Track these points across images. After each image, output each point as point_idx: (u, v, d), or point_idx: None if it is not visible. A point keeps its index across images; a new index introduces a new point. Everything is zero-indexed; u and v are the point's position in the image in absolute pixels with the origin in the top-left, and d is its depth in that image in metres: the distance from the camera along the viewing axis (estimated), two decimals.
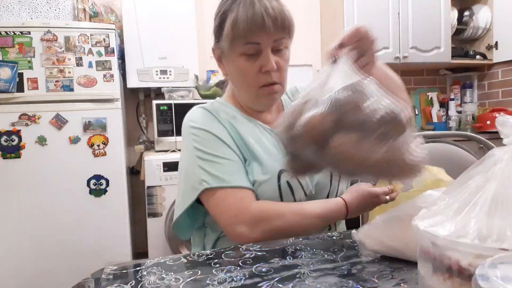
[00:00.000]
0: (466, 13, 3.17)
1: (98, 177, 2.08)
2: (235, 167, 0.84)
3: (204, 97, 2.47)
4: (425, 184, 0.89)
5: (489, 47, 3.15)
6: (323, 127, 0.54)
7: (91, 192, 2.08)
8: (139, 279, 0.56)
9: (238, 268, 0.58)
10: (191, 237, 0.98)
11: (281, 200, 0.85)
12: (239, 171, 0.84)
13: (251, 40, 0.83)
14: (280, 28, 0.83)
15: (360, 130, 0.53)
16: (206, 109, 0.91)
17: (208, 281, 0.53)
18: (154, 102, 2.33)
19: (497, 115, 0.44)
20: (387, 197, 0.89)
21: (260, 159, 0.86)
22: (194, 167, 0.84)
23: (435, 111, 3.26)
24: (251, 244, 0.71)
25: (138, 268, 0.60)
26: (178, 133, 2.27)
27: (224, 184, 0.81)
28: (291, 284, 0.51)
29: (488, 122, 2.84)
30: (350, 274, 0.54)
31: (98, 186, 2.08)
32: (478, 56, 3.16)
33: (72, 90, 2.05)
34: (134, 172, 2.65)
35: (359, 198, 0.87)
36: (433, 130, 3.08)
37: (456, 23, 3.12)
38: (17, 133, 1.99)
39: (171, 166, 2.15)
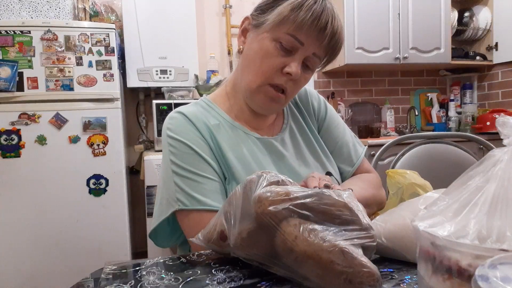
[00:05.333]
0: (466, 14, 3.18)
1: (97, 177, 2.08)
2: (212, 186, 0.76)
3: None
4: (400, 186, 0.89)
5: (489, 48, 3.16)
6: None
7: (91, 191, 2.08)
8: (138, 279, 0.55)
9: (238, 268, 0.58)
10: (177, 252, 0.92)
11: None
12: (216, 190, 0.76)
13: (299, 36, 0.74)
14: (329, 46, 0.76)
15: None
16: (186, 116, 0.81)
17: (207, 281, 0.53)
18: (154, 101, 2.33)
19: (497, 116, 0.44)
20: None
21: (239, 178, 0.77)
22: (169, 181, 0.77)
23: (435, 112, 3.26)
24: None
25: (137, 268, 0.60)
26: None
27: (199, 206, 0.74)
28: (290, 284, 0.51)
29: (488, 123, 2.84)
30: None
31: (97, 185, 2.08)
32: (478, 57, 3.17)
33: (72, 89, 2.05)
34: (134, 171, 2.65)
35: None
36: (433, 130, 3.09)
37: (456, 24, 3.12)
38: (17, 132, 1.99)
39: None
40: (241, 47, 0.84)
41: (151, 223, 0.82)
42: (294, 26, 0.73)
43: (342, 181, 0.92)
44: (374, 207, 0.84)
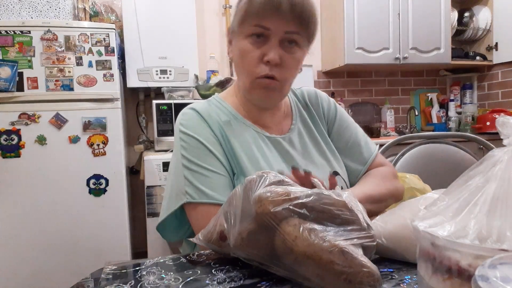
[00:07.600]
0: (466, 14, 3.18)
1: (97, 177, 2.08)
2: (221, 181, 0.79)
3: (204, 97, 2.47)
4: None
5: (489, 48, 3.16)
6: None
7: (91, 191, 2.07)
8: (138, 278, 0.55)
9: (238, 268, 0.58)
10: (181, 248, 0.94)
11: None
12: (225, 185, 0.79)
13: (261, 23, 0.76)
14: (297, 18, 0.76)
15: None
16: (198, 112, 0.85)
17: (207, 281, 0.53)
18: (154, 102, 2.33)
19: (497, 116, 0.44)
20: None
21: (247, 174, 0.79)
22: (179, 175, 0.80)
23: (435, 112, 3.27)
24: None
25: (137, 268, 0.60)
26: None
27: (207, 199, 0.76)
28: (290, 284, 0.51)
29: (488, 123, 2.84)
30: None
31: (97, 185, 2.08)
32: (478, 57, 3.17)
33: (72, 89, 2.05)
34: (134, 171, 2.65)
35: None
36: (433, 130, 3.09)
37: (456, 24, 3.12)
38: (17, 132, 1.98)
39: None
40: (230, 56, 0.88)
41: (153, 222, 0.83)
42: (254, 16, 0.77)
43: (354, 179, 0.94)
44: (391, 200, 0.84)
